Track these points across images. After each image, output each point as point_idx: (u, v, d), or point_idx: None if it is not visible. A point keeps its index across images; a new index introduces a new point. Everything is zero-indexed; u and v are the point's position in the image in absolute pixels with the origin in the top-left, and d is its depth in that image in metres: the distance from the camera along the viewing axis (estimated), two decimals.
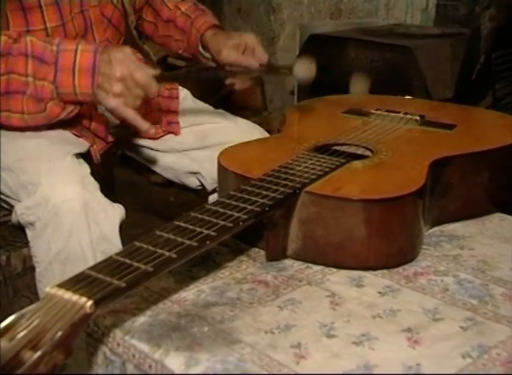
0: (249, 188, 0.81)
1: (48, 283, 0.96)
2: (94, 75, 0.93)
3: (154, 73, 0.95)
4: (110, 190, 1.59)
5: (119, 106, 0.93)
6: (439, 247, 0.89)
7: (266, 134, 1.26)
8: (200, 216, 0.74)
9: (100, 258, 0.96)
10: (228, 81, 1.19)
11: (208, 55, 1.23)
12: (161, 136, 1.23)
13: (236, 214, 0.74)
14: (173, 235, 0.69)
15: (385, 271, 0.82)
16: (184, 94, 1.28)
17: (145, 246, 0.66)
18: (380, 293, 0.77)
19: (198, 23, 1.23)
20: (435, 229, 0.94)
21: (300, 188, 0.82)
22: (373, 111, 1.12)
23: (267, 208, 0.77)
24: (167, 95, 1.26)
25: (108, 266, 0.62)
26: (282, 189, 0.81)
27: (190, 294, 0.76)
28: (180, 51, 1.29)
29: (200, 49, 1.23)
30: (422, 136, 1.02)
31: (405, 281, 0.79)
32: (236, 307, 0.73)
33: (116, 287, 0.59)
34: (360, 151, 0.97)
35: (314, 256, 0.83)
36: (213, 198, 1.24)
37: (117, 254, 0.65)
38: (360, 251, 0.82)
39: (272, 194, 0.80)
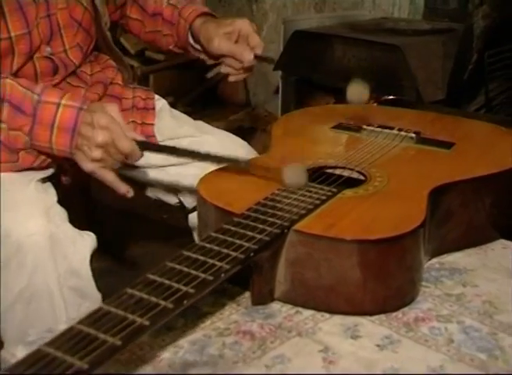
0: (232, 228, 0.73)
1: (11, 324, 0.88)
2: (73, 135, 0.85)
3: (139, 139, 0.87)
4: (84, 213, 1.50)
5: (97, 171, 0.86)
6: (439, 284, 0.82)
7: (249, 148, 1.17)
8: (177, 266, 0.65)
9: (68, 294, 0.89)
10: (223, 70, 1.10)
11: (198, 47, 1.13)
12: None
13: (218, 263, 0.66)
14: (146, 294, 0.60)
15: (382, 317, 0.74)
16: (161, 104, 1.19)
17: (113, 310, 0.58)
18: (379, 346, 0.69)
19: (186, 12, 1.13)
20: (435, 260, 0.87)
21: (289, 226, 0.74)
22: (365, 126, 1.03)
23: (252, 254, 0.69)
24: (142, 106, 1.17)
25: (67, 341, 0.54)
26: (268, 228, 0.73)
27: (166, 351, 0.68)
28: (171, 47, 1.20)
29: (191, 41, 1.14)
30: (419, 157, 0.94)
31: (405, 330, 0.72)
32: (218, 367, 0.65)
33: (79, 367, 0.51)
34: (352, 174, 0.89)
35: (305, 300, 0.76)
36: (193, 217, 1.15)
37: (80, 322, 0.56)
38: (355, 295, 0.74)
39: (258, 236, 0.71)
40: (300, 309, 0.76)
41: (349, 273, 0.73)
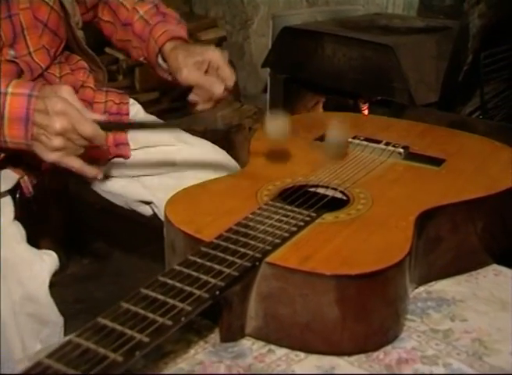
0: (198, 260, 0.67)
1: None
2: (27, 125, 0.78)
3: (101, 119, 0.80)
4: (49, 227, 1.43)
5: (61, 159, 0.79)
6: (426, 317, 0.75)
7: (228, 157, 1.10)
8: (132, 308, 0.59)
9: (24, 321, 0.82)
10: (190, 97, 1.03)
11: (167, 67, 1.06)
12: (109, 159, 1.07)
13: (179, 304, 0.59)
14: (94, 343, 0.54)
15: (362, 357, 0.68)
16: (136, 109, 1.12)
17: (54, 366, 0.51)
18: None
19: (157, 32, 1.06)
20: (422, 289, 0.81)
21: (261, 258, 0.67)
22: (350, 139, 0.96)
23: (217, 292, 0.62)
24: (115, 111, 1.10)
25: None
26: (238, 261, 0.66)
27: None
28: (141, 59, 1.12)
29: (160, 61, 1.07)
30: (406, 176, 0.88)
31: (387, 373, 0.66)
32: None
33: None
34: (335, 193, 0.83)
35: (278, 337, 0.69)
36: None
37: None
38: (333, 333, 0.68)
39: (226, 270, 0.65)
40: (272, 347, 0.69)
41: (326, 310, 0.67)
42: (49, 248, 0.90)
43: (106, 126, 0.81)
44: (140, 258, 1.74)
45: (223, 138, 2.33)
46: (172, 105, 2.45)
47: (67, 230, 1.68)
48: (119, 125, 0.84)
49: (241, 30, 2.78)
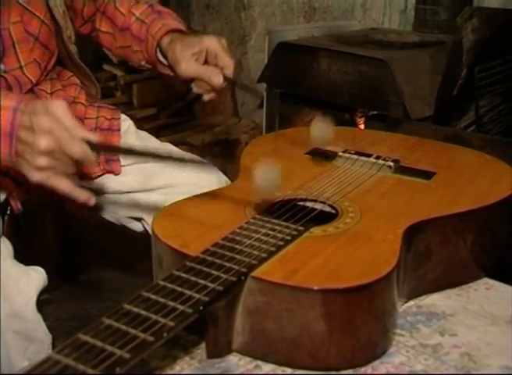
0: (183, 275, 0.66)
1: None
2: (11, 140, 0.74)
3: (92, 138, 0.75)
4: (44, 243, 1.43)
5: (47, 180, 0.74)
6: (415, 331, 0.74)
7: (220, 174, 1.10)
8: (114, 323, 0.58)
9: (11, 339, 0.82)
10: (194, 90, 1.01)
11: (167, 63, 1.05)
12: (99, 175, 1.06)
13: (161, 319, 0.59)
14: (73, 360, 0.53)
15: (349, 373, 0.67)
16: (127, 125, 1.12)
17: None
18: None
19: (154, 28, 1.05)
20: (412, 303, 0.80)
21: (247, 273, 0.67)
22: (340, 153, 0.96)
23: (201, 308, 0.62)
24: (106, 127, 1.09)
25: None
26: (223, 276, 0.66)
27: None
28: (143, 63, 1.11)
29: (160, 57, 1.06)
30: (396, 189, 0.87)
31: None
32: None
33: None
34: (324, 207, 0.82)
35: (265, 353, 0.69)
36: None
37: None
38: (320, 348, 0.67)
39: (211, 285, 0.64)
40: (259, 363, 0.69)
41: (313, 325, 0.66)
42: (44, 265, 0.89)
43: (96, 147, 0.76)
44: (135, 274, 1.73)
45: (220, 153, 2.34)
46: (169, 121, 2.46)
47: (63, 247, 1.67)
48: (110, 147, 0.79)
49: (239, 46, 2.79)
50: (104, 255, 1.90)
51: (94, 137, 0.75)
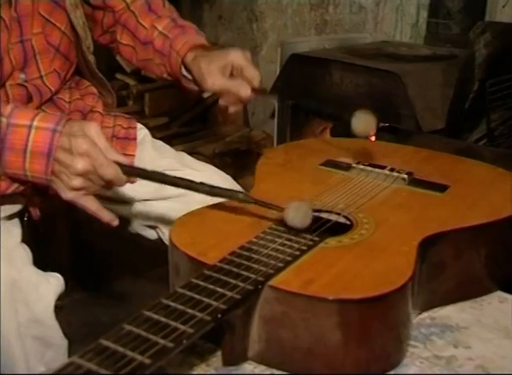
0: (200, 283, 0.67)
1: None
2: (48, 161, 0.76)
3: (124, 162, 0.78)
4: (56, 250, 1.44)
5: (78, 199, 0.78)
6: (429, 343, 0.75)
7: (234, 183, 1.11)
8: (135, 329, 0.59)
9: (30, 344, 0.83)
10: (221, 102, 1.03)
11: (191, 78, 1.07)
12: None
13: (181, 326, 0.60)
14: (96, 365, 0.54)
15: None
16: (143, 134, 1.14)
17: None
18: None
19: (178, 44, 1.06)
20: (426, 314, 0.81)
21: (263, 282, 0.68)
22: (354, 165, 0.97)
23: (220, 315, 0.62)
24: (123, 136, 1.11)
25: None
26: (241, 284, 0.67)
27: None
28: (165, 76, 1.13)
29: (184, 72, 1.07)
30: (410, 201, 0.88)
31: None
32: None
33: None
34: (339, 218, 0.83)
35: (280, 361, 0.69)
36: None
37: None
38: (335, 357, 0.68)
39: (228, 293, 0.65)
40: (275, 372, 0.69)
41: (328, 334, 0.67)
42: (55, 271, 0.91)
43: (128, 171, 0.79)
44: (145, 281, 1.74)
45: (231, 164, 2.35)
46: (181, 130, 2.48)
47: (73, 253, 1.68)
48: (141, 171, 0.82)
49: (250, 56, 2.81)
50: (114, 262, 1.91)
51: (126, 160, 0.78)
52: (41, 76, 0.98)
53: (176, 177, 0.82)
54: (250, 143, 2.42)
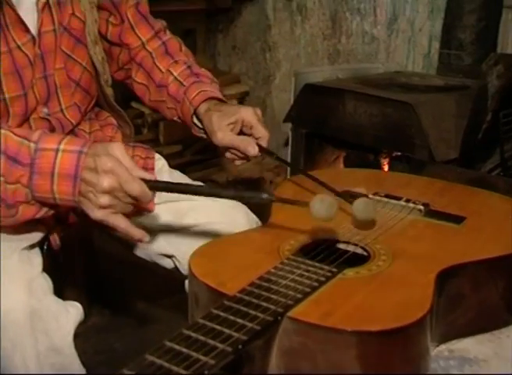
0: (221, 313, 0.68)
1: None
2: (75, 181, 0.78)
3: (149, 178, 0.80)
4: (72, 278, 1.46)
5: (107, 218, 0.79)
6: None
7: (250, 213, 1.12)
8: (157, 360, 0.60)
9: (48, 372, 0.83)
10: (228, 156, 1.07)
11: (202, 128, 1.10)
12: (134, 213, 1.09)
13: (202, 358, 0.60)
14: None
15: None
16: (161, 164, 1.15)
17: None
18: None
19: (192, 93, 1.08)
20: (444, 347, 0.80)
21: (283, 313, 0.68)
22: (371, 195, 0.98)
23: (240, 346, 0.63)
24: (141, 166, 1.12)
25: None
26: (260, 315, 0.67)
27: None
28: (175, 118, 1.16)
29: (196, 121, 1.10)
30: (427, 233, 0.89)
31: None
32: None
33: None
34: (356, 249, 0.84)
35: None
36: None
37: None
38: None
39: (249, 324, 0.66)
40: None
41: (347, 366, 0.67)
42: (71, 299, 0.92)
43: (154, 186, 0.81)
44: (159, 309, 1.75)
45: (244, 191, 2.36)
46: (195, 158, 2.51)
47: (89, 281, 1.69)
48: (167, 185, 0.84)
49: (263, 86, 2.85)
50: (127, 289, 1.92)
51: (151, 176, 0.80)
52: (62, 110, 1.01)
53: (199, 186, 0.83)
54: (262, 171, 2.44)
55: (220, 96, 1.09)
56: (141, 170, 0.80)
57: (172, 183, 0.84)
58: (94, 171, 0.77)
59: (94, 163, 0.78)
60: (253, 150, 1.00)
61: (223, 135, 1.01)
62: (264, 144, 1.03)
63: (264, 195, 0.79)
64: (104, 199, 0.77)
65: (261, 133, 1.02)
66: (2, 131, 0.81)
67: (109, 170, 0.77)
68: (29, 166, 0.80)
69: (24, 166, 0.80)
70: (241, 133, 1.05)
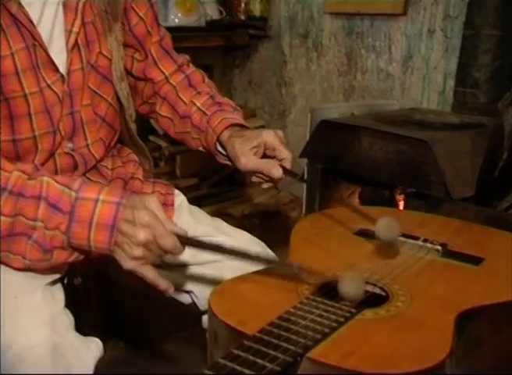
0: (241, 353, 0.68)
1: None
2: (112, 232, 0.81)
3: (181, 233, 0.82)
4: (89, 311, 1.47)
5: (138, 268, 0.82)
6: None
7: (266, 248, 1.13)
8: None
9: None
10: (253, 179, 1.08)
11: (225, 153, 1.11)
12: None
13: None
14: None
15: None
16: (180, 200, 1.17)
17: None
18: None
19: (214, 121, 1.11)
20: None
21: (302, 354, 0.69)
22: None
23: None
24: (161, 202, 1.14)
25: None
26: (280, 356, 0.68)
27: None
28: (200, 148, 1.18)
29: (219, 148, 1.12)
30: (445, 274, 0.89)
31: None
32: None
33: None
34: (374, 289, 0.85)
35: None
36: (206, 318, 1.11)
37: None
38: None
39: (269, 365, 0.66)
40: None
41: None
42: (89, 333, 0.93)
43: (185, 241, 0.83)
44: (175, 343, 1.74)
45: (259, 225, 2.38)
46: (210, 191, 2.53)
47: (105, 314, 1.70)
48: (197, 242, 0.86)
49: (279, 120, 2.88)
50: (143, 323, 1.92)
51: (183, 232, 0.82)
52: (88, 145, 1.03)
53: (231, 249, 0.86)
54: (278, 205, 2.45)
55: (242, 122, 1.11)
56: (174, 224, 0.83)
57: (204, 241, 0.86)
58: (132, 223, 0.80)
59: (132, 215, 0.80)
60: (277, 172, 1.01)
61: (247, 160, 1.02)
62: (287, 165, 1.03)
63: (295, 269, 0.83)
64: (138, 251, 0.80)
65: (284, 154, 1.03)
66: (45, 178, 0.84)
67: (146, 224, 0.80)
68: (68, 214, 0.82)
69: (64, 213, 0.82)
70: (264, 156, 1.05)
